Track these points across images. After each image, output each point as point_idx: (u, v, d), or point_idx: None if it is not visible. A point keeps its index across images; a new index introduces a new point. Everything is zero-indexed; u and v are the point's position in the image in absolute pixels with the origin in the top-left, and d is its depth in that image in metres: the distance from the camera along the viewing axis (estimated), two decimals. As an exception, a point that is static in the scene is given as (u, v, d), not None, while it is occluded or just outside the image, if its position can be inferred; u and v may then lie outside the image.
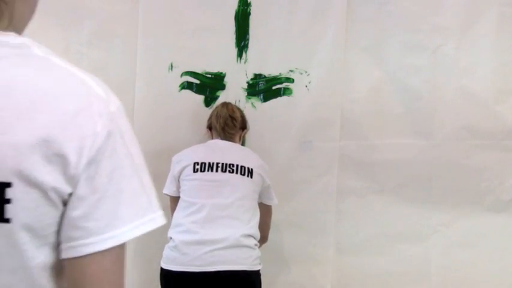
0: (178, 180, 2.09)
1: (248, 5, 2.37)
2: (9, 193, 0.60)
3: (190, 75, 2.41)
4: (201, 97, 2.43)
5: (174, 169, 2.07)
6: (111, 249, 0.66)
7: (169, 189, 2.12)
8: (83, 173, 0.64)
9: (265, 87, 2.43)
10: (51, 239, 0.66)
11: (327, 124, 2.43)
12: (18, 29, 0.73)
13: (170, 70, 2.39)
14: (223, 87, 2.42)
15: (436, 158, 2.44)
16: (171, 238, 1.97)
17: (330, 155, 2.45)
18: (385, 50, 2.39)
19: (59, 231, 0.66)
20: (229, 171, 2.02)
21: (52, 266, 0.67)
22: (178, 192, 2.08)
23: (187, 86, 2.41)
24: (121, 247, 0.67)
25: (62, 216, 0.65)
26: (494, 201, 2.46)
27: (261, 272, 2.01)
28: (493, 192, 2.46)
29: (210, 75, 2.41)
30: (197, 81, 2.41)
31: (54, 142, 0.62)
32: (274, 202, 2.22)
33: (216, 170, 2.02)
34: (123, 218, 0.67)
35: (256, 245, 2.01)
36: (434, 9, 2.36)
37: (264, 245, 2.14)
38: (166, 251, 1.96)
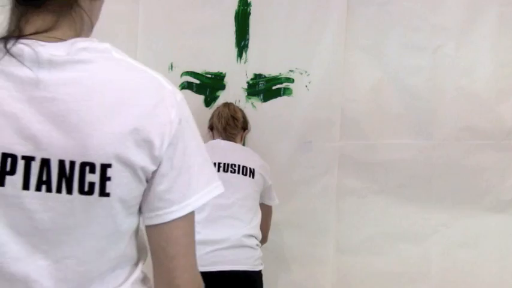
0: None
1: (248, 5, 2.37)
2: (109, 172, 0.75)
3: (190, 75, 2.41)
4: (201, 97, 2.43)
5: None
6: (187, 215, 0.82)
7: None
8: (164, 155, 0.79)
9: (265, 87, 2.43)
10: (135, 209, 0.82)
11: (327, 124, 2.43)
12: (89, 34, 0.84)
13: (170, 70, 2.39)
14: (223, 87, 2.43)
15: (436, 158, 2.44)
16: None
17: (330, 155, 2.45)
18: (385, 50, 2.39)
19: (141, 203, 0.82)
20: (231, 171, 2.02)
21: (133, 231, 0.84)
22: None
23: (187, 86, 2.41)
24: (193, 213, 0.83)
25: (146, 191, 0.80)
26: (494, 201, 2.46)
27: (262, 272, 2.02)
28: (493, 192, 2.46)
29: (210, 75, 2.42)
30: (197, 81, 2.42)
31: (143, 130, 0.76)
32: (275, 202, 2.22)
33: (218, 170, 2.02)
34: (195, 188, 0.83)
35: (257, 245, 2.01)
36: (434, 9, 2.36)
37: (264, 245, 2.14)
38: None
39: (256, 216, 2.04)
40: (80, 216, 0.76)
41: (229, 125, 2.17)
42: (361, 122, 2.44)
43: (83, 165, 0.74)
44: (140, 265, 0.87)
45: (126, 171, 0.77)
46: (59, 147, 0.74)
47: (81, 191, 0.75)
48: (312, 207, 2.46)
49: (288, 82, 2.42)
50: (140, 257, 0.88)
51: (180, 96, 0.85)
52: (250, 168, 2.06)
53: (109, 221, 0.78)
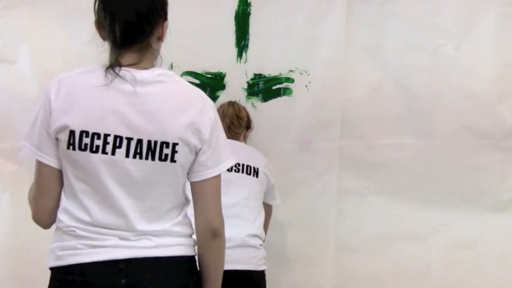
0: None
1: (248, 5, 2.37)
2: (176, 148, 1.23)
3: (190, 75, 2.41)
4: (201, 97, 2.43)
5: None
6: (217, 176, 1.30)
7: None
8: (207, 139, 1.27)
9: (265, 87, 2.43)
10: (187, 170, 1.29)
11: (327, 124, 2.43)
12: (156, 61, 1.33)
13: (170, 70, 2.39)
14: (223, 87, 2.43)
15: (436, 158, 2.44)
16: None
17: (330, 155, 2.45)
18: (385, 50, 2.39)
19: (190, 167, 1.29)
20: (235, 170, 2.02)
21: (184, 184, 1.32)
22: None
23: (187, 86, 2.41)
24: (219, 175, 1.31)
25: (194, 160, 1.28)
26: (494, 201, 2.46)
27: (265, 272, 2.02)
28: (493, 192, 2.46)
29: (210, 75, 2.42)
30: (197, 81, 2.42)
31: (196, 124, 1.25)
32: (277, 202, 2.22)
33: None
34: (221, 160, 1.31)
35: (261, 245, 2.01)
36: (434, 9, 2.36)
37: (264, 245, 2.14)
38: None
39: (260, 215, 2.04)
40: (158, 174, 1.24)
41: (234, 125, 2.17)
42: (361, 122, 2.44)
43: (162, 143, 1.23)
44: (186, 208, 1.35)
45: (186, 147, 1.25)
46: (147, 132, 1.22)
47: (160, 159, 1.23)
48: (312, 207, 2.47)
49: (288, 82, 2.42)
50: (186, 203, 1.35)
51: (213, 103, 1.33)
52: (254, 168, 2.06)
53: (173, 177, 1.27)
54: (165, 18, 1.33)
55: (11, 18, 2.32)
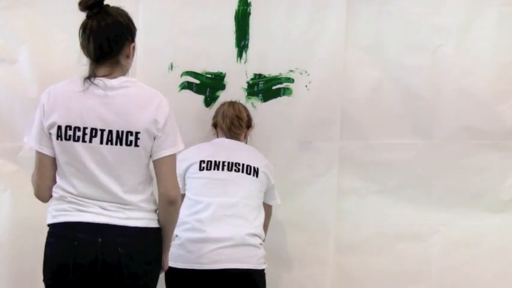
0: (184, 178, 2.09)
1: (248, 5, 2.37)
2: (139, 136, 1.59)
3: (190, 75, 2.41)
4: (201, 97, 2.43)
5: (180, 167, 2.06)
6: (171, 155, 1.63)
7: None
8: (162, 128, 1.61)
9: (265, 87, 2.43)
10: (149, 153, 1.63)
11: (327, 124, 2.43)
12: (126, 73, 1.69)
13: (170, 70, 2.39)
14: (223, 87, 2.43)
15: (436, 158, 2.44)
16: (176, 236, 1.97)
17: (330, 155, 2.45)
18: (385, 50, 2.39)
19: (151, 150, 1.63)
20: (235, 170, 2.02)
21: (147, 163, 1.66)
22: (184, 189, 2.09)
23: (187, 86, 2.41)
24: (173, 155, 1.65)
25: (153, 144, 1.62)
26: (494, 201, 2.46)
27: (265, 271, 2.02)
28: (493, 192, 2.46)
29: (210, 75, 2.42)
30: (197, 81, 2.42)
31: (154, 116, 1.60)
32: (276, 202, 2.23)
33: (222, 169, 2.02)
34: (174, 144, 1.64)
35: (261, 244, 2.01)
36: (434, 9, 2.36)
37: (264, 245, 2.14)
38: (172, 249, 1.96)
39: (259, 215, 2.05)
40: (125, 156, 1.61)
41: (234, 125, 2.18)
42: (361, 122, 2.44)
43: (127, 132, 1.59)
44: (151, 187, 1.69)
45: (146, 135, 1.60)
46: (116, 125, 1.59)
47: (126, 144, 1.60)
48: (312, 207, 2.46)
49: (288, 82, 2.42)
50: (151, 180, 1.70)
51: (167, 101, 1.66)
52: (254, 167, 2.06)
53: (138, 158, 1.62)
54: (132, 41, 1.68)
55: (11, 18, 2.32)
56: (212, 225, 1.94)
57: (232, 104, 2.25)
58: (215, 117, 2.25)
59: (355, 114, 2.43)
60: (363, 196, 2.48)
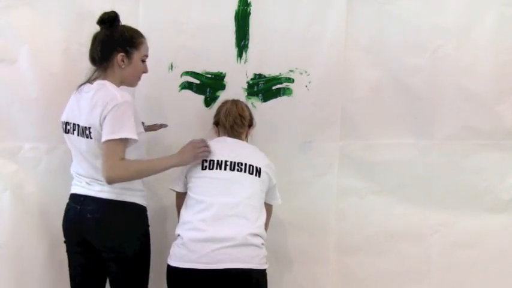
0: (186, 177, 2.09)
1: (248, 5, 2.37)
2: (91, 130, 1.93)
3: (190, 75, 2.41)
4: (201, 97, 2.43)
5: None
6: (108, 140, 1.87)
7: (176, 185, 2.13)
8: (105, 121, 1.88)
9: (265, 87, 2.43)
10: (99, 140, 1.91)
11: (327, 124, 2.43)
12: (119, 79, 2.03)
13: (170, 70, 2.39)
14: (223, 87, 2.43)
15: (436, 158, 2.44)
16: (179, 235, 1.98)
17: (330, 155, 2.45)
18: (385, 50, 2.39)
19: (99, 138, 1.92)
20: (237, 169, 2.02)
21: (99, 148, 1.93)
22: (185, 188, 2.09)
23: (187, 86, 2.41)
24: (112, 141, 1.87)
25: (100, 132, 1.90)
26: (494, 201, 2.46)
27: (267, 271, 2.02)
28: (493, 192, 2.46)
29: (210, 75, 2.42)
30: (197, 81, 2.42)
31: (102, 112, 1.88)
32: (278, 202, 2.22)
33: (225, 169, 2.02)
34: (113, 132, 1.87)
35: (262, 244, 2.01)
36: (434, 9, 2.36)
37: (264, 245, 2.14)
38: (174, 249, 1.96)
39: (261, 215, 2.05)
40: (87, 145, 1.95)
41: (237, 124, 2.16)
42: (361, 122, 2.44)
43: (84, 127, 1.94)
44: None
45: (95, 129, 1.90)
46: (81, 121, 1.96)
47: (86, 137, 1.94)
48: (312, 207, 2.47)
49: (288, 82, 2.42)
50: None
51: (116, 101, 1.88)
52: (256, 167, 2.06)
53: (93, 145, 1.94)
54: (121, 50, 1.97)
55: (11, 18, 2.32)
56: (214, 224, 1.94)
57: (235, 102, 2.25)
58: (217, 115, 2.24)
59: (355, 114, 2.43)
60: (363, 196, 2.48)
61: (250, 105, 2.40)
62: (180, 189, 2.13)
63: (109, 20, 1.96)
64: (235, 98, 2.35)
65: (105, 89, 1.92)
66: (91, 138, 1.93)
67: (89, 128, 1.92)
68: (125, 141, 1.89)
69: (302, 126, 2.44)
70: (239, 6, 2.37)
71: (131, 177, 1.95)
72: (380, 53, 2.39)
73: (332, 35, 2.38)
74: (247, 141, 2.26)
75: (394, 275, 2.48)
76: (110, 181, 1.88)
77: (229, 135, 2.17)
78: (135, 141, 1.90)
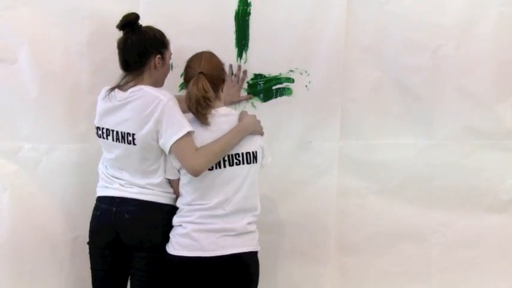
0: (178, 171, 2.02)
1: (248, 5, 2.37)
2: (134, 137, 1.96)
3: (190, 75, 2.41)
4: (201, 97, 2.42)
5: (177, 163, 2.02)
6: (178, 140, 1.90)
7: (172, 174, 2.04)
8: (160, 124, 1.93)
9: (265, 87, 2.43)
10: (147, 146, 2.00)
11: (327, 124, 2.43)
12: (152, 82, 2.04)
13: (170, 70, 2.39)
14: (223, 87, 2.42)
15: (436, 158, 2.44)
16: (180, 226, 1.99)
17: (330, 155, 2.45)
18: (385, 49, 2.39)
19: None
20: (236, 163, 1.99)
21: (146, 152, 2.01)
22: (178, 174, 2.04)
23: (187, 86, 2.41)
24: (180, 139, 1.90)
25: (154, 137, 1.97)
26: (494, 201, 2.46)
27: (260, 267, 2.03)
28: (492, 192, 2.46)
29: (210, 75, 2.41)
30: (197, 81, 2.41)
31: (156, 118, 1.93)
32: (268, 160, 2.11)
33: (224, 166, 1.98)
34: (179, 129, 1.91)
35: (256, 227, 2.04)
36: (434, 9, 2.36)
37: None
38: (176, 238, 1.97)
39: (257, 196, 2.05)
40: (125, 150, 1.98)
41: (201, 106, 1.93)
42: (361, 122, 2.44)
43: (127, 134, 1.96)
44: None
45: (146, 133, 1.94)
46: (121, 127, 1.98)
47: (128, 143, 1.97)
48: (312, 207, 2.46)
49: (288, 82, 2.42)
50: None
51: (165, 97, 1.94)
52: (253, 152, 2.03)
53: (136, 151, 1.98)
54: (157, 53, 2.00)
55: (11, 18, 2.31)
56: (216, 219, 1.96)
57: (196, 81, 1.93)
58: (186, 73, 2.02)
59: (355, 114, 2.43)
60: (363, 196, 2.48)
61: (250, 106, 2.41)
62: (176, 176, 2.04)
63: (133, 23, 1.99)
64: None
65: (149, 94, 1.93)
66: (134, 144, 1.95)
67: (133, 134, 1.94)
68: (188, 134, 1.90)
69: (302, 126, 2.44)
70: (239, 6, 2.37)
71: (212, 161, 1.94)
72: (380, 53, 2.39)
73: (332, 35, 2.37)
74: (222, 92, 2.06)
75: (394, 275, 2.48)
76: (197, 174, 1.91)
77: (203, 122, 1.98)
78: (192, 132, 1.93)
